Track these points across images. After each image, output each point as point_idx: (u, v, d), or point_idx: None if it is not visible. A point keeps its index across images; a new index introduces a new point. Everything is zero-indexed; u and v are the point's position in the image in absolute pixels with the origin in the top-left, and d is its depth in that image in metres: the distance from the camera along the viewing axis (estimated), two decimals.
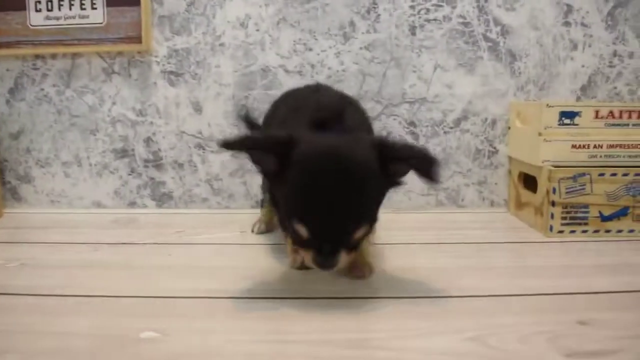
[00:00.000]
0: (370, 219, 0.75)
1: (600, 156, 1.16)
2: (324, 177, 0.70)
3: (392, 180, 0.77)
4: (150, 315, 0.75)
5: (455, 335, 0.68)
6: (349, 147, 0.74)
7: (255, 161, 0.77)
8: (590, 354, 0.63)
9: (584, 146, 1.16)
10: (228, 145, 0.74)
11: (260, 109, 1.33)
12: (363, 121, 0.94)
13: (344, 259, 0.74)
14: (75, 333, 0.69)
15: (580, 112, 1.16)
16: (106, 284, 0.87)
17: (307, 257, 0.75)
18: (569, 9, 1.33)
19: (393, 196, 1.34)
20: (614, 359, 0.62)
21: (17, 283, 0.88)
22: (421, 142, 1.34)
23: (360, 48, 1.32)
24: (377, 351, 0.64)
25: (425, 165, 0.74)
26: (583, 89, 1.35)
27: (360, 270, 0.88)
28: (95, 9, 1.33)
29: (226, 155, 1.36)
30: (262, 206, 1.21)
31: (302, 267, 0.88)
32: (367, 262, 0.90)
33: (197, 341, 0.66)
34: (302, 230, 0.72)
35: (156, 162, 1.38)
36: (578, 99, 1.35)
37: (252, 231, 1.17)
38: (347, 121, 0.83)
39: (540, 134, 1.16)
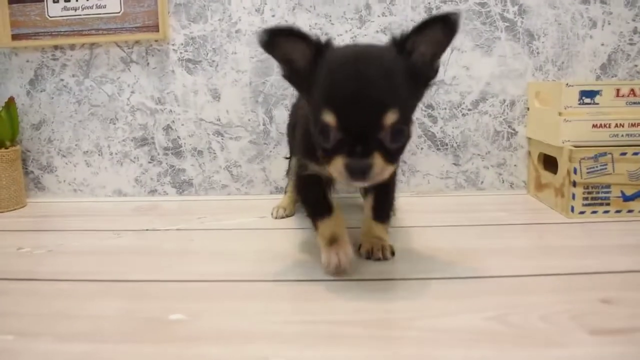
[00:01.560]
0: (399, 104, 0.71)
1: (622, 135, 1.15)
2: (351, 67, 0.71)
3: (424, 72, 0.77)
4: (177, 298, 0.76)
5: (476, 314, 0.68)
6: (373, 47, 0.80)
7: (286, 60, 0.78)
8: (615, 332, 0.63)
9: (605, 125, 1.15)
10: (273, 31, 0.74)
11: (277, 95, 1.34)
12: None
13: (378, 164, 0.70)
14: (106, 316, 0.70)
15: (601, 90, 1.15)
16: (132, 269, 0.88)
17: (336, 167, 0.72)
18: None
19: (412, 180, 1.35)
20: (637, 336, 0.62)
21: (45, 269, 0.90)
22: (439, 125, 1.34)
23: (377, 31, 1.31)
24: (400, 331, 0.65)
25: (439, 23, 0.73)
26: (603, 67, 1.34)
27: (381, 252, 0.89)
28: None
29: (245, 141, 1.37)
30: (285, 192, 1.22)
31: (338, 271, 0.83)
32: (387, 245, 0.90)
33: (224, 322, 0.68)
34: (331, 120, 0.70)
35: (176, 150, 1.39)
36: (598, 78, 1.34)
37: (272, 215, 1.18)
38: None
39: (560, 114, 1.15)
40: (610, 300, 0.72)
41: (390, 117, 0.69)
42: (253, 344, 0.62)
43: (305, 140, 0.85)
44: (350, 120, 0.69)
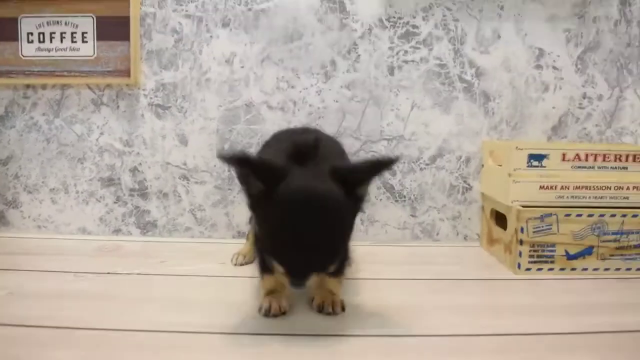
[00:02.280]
0: (341, 254, 0.83)
1: (567, 197, 1.22)
2: (301, 221, 0.77)
3: (357, 202, 0.84)
4: (134, 349, 0.78)
5: None
6: (321, 186, 0.80)
7: (244, 181, 0.85)
8: None
9: (551, 187, 1.21)
10: (227, 158, 0.80)
11: (243, 143, 1.38)
12: (340, 153, 1.02)
13: (314, 280, 0.82)
14: None
15: (548, 154, 1.22)
16: (91, 316, 0.90)
17: (283, 278, 0.82)
18: (541, 53, 1.39)
19: (370, 229, 1.40)
20: None
21: (5, 312, 0.91)
22: (398, 178, 1.40)
23: (341, 86, 1.38)
24: None
25: (379, 169, 0.85)
26: (554, 129, 1.42)
27: (332, 307, 0.92)
28: (86, 42, 1.38)
29: (210, 186, 1.41)
30: (247, 239, 1.26)
31: (272, 315, 0.90)
32: (339, 300, 0.94)
33: None
34: (280, 269, 0.80)
35: (142, 191, 1.42)
36: (549, 138, 1.41)
37: (232, 262, 1.21)
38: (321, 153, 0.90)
39: (510, 175, 1.22)
40: None
41: (332, 268, 0.83)
42: None
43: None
44: (297, 272, 0.79)
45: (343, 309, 0.94)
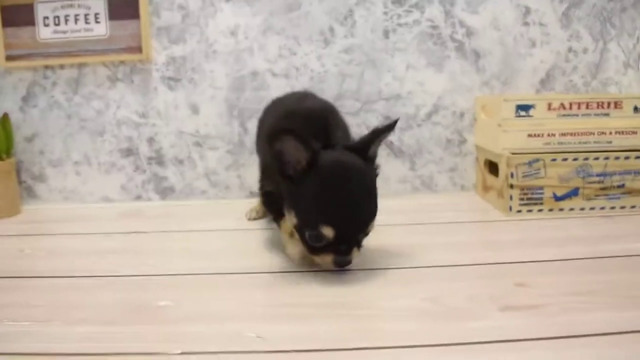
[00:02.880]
0: (376, 212, 0.91)
1: (554, 144, 1.31)
2: (344, 188, 0.86)
3: (373, 166, 0.95)
4: (163, 289, 0.89)
5: (415, 297, 0.83)
6: (352, 159, 0.90)
7: (286, 161, 0.87)
8: (521, 308, 0.78)
9: (538, 135, 1.31)
10: (289, 131, 0.85)
11: (250, 109, 1.48)
12: (343, 127, 1.08)
13: (356, 255, 0.90)
14: (104, 304, 0.84)
15: (535, 104, 1.31)
16: (122, 267, 1.01)
17: (324, 260, 0.89)
18: (527, 11, 1.47)
19: None
20: (539, 311, 0.77)
21: (46, 268, 1.02)
22: (396, 135, 1.49)
23: (339, 52, 1.46)
24: (351, 310, 0.79)
25: (380, 133, 0.94)
26: (542, 82, 1.50)
27: None
28: (99, 22, 1.47)
29: (222, 151, 1.51)
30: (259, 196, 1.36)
31: (304, 258, 0.96)
32: None
33: (204, 307, 0.82)
34: (329, 232, 0.85)
35: (159, 159, 1.53)
36: (538, 91, 1.50)
37: (247, 217, 1.32)
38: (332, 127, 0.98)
39: (499, 125, 1.31)
40: (525, 284, 0.87)
41: (372, 227, 0.90)
42: (229, 322, 0.76)
43: (263, 167, 1.05)
44: (344, 234, 0.86)
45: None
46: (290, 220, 0.92)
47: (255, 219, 1.32)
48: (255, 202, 1.36)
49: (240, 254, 1.07)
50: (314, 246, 0.88)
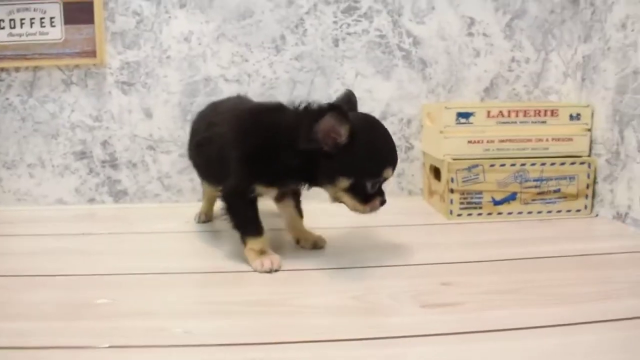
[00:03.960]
0: None
1: (493, 149, 1.37)
2: (387, 138, 1.01)
3: None
4: (104, 287, 0.92)
5: (343, 294, 0.87)
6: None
7: (324, 139, 0.93)
8: (441, 305, 0.83)
9: (478, 141, 1.36)
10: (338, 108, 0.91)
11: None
12: None
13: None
14: (42, 301, 0.86)
15: (474, 112, 1.36)
16: (68, 266, 1.03)
17: (374, 204, 1.00)
18: (472, 22, 1.53)
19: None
20: (457, 308, 0.82)
21: None
22: None
23: (291, 59, 1.51)
24: (281, 307, 0.83)
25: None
26: (486, 90, 1.56)
27: (320, 242, 1.14)
28: (54, 26, 1.49)
29: (175, 155, 1.54)
30: (203, 199, 1.40)
31: (271, 270, 0.99)
32: (320, 237, 1.15)
33: (140, 304, 0.85)
34: (389, 172, 0.99)
35: (112, 163, 1.55)
36: (482, 99, 1.56)
37: (195, 220, 1.35)
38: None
39: (441, 132, 1.36)
40: (450, 283, 0.92)
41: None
42: (159, 319, 0.79)
43: (256, 164, 0.99)
44: (393, 169, 1.01)
45: (325, 241, 1.15)
46: (334, 187, 0.99)
47: (204, 221, 1.35)
48: (200, 205, 1.39)
49: (182, 255, 1.11)
50: (370, 195, 0.99)
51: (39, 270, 1.02)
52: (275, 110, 1.04)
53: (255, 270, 0.99)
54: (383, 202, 1.02)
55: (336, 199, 1.01)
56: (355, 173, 0.97)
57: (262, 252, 1.02)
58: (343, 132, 0.92)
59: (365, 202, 0.99)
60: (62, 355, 0.69)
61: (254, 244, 1.02)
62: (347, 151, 0.94)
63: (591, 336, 0.73)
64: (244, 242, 1.04)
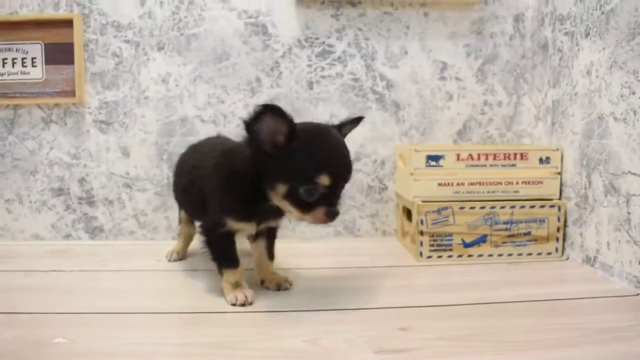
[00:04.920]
0: None
1: (463, 192, 1.39)
2: (332, 141, 0.97)
3: None
4: (63, 326, 0.92)
5: (298, 338, 0.88)
6: (330, 126, 1.04)
7: (263, 139, 0.92)
8: (394, 351, 0.84)
9: (448, 184, 1.38)
10: (276, 110, 0.90)
11: (179, 153, 1.52)
12: None
13: (339, 206, 0.99)
14: (1, 341, 0.87)
15: (444, 155, 1.39)
16: (32, 304, 1.04)
17: (317, 215, 0.95)
18: (444, 66, 1.57)
19: (297, 227, 1.55)
20: (409, 354, 0.83)
21: None
22: None
23: (266, 101, 1.53)
24: (236, 350, 0.84)
25: (355, 123, 1.11)
26: (459, 133, 1.59)
27: (285, 283, 1.14)
28: (35, 66, 1.52)
29: (151, 193, 1.56)
30: (178, 237, 1.41)
31: (244, 303, 1.03)
32: (286, 279, 1.15)
33: (96, 345, 0.85)
34: (326, 180, 0.92)
35: (89, 200, 1.56)
36: (455, 142, 1.59)
37: (167, 259, 1.36)
38: None
39: (411, 174, 1.38)
40: (408, 328, 0.92)
41: (350, 176, 1.00)
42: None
43: (227, 200, 1.04)
44: (338, 181, 0.96)
45: (291, 283, 1.15)
46: (275, 194, 0.96)
47: (176, 260, 1.36)
48: (174, 243, 1.40)
49: (147, 295, 1.11)
50: (307, 202, 0.94)
51: (3, 307, 1.02)
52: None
53: (229, 303, 1.03)
54: (330, 214, 0.96)
55: (284, 209, 1.01)
56: (291, 178, 0.94)
57: (236, 285, 1.05)
58: (282, 131, 0.92)
59: (306, 211, 0.96)
60: None
61: (229, 276, 1.06)
62: (284, 154, 0.93)
63: None
64: (220, 273, 1.07)
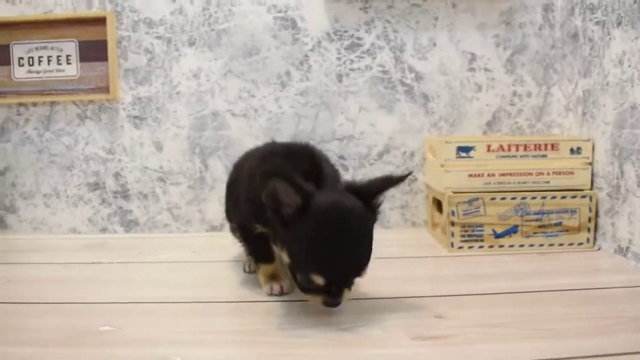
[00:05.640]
0: (370, 258, 0.89)
1: (494, 183, 1.39)
2: (337, 233, 0.84)
3: (374, 212, 0.93)
4: (108, 315, 0.96)
5: (334, 326, 0.90)
6: (347, 201, 0.88)
7: (278, 204, 0.86)
8: (430, 337, 0.85)
9: (479, 175, 1.38)
10: (279, 174, 0.84)
11: (211, 147, 1.56)
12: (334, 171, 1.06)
13: (346, 296, 0.90)
14: (50, 328, 0.90)
15: (475, 146, 1.39)
16: (74, 294, 1.08)
17: (315, 300, 0.89)
18: (473, 57, 1.57)
19: None
20: (445, 341, 0.84)
21: (4, 294, 1.09)
22: (350, 173, 1.57)
23: (296, 94, 1.56)
24: (271, 337, 0.86)
25: (394, 183, 0.93)
26: (488, 124, 1.59)
27: None
28: (70, 64, 1.56)
29: (184, 186, 1.59)
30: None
31: (280, 293, 1.02)
32: None
33: (141, 332, 0.88)
34: (319, 280, 0.85)
35: (124, 193, 1.60)
36: (484, 133, 1.59)
37: (244, 270, 1.22)
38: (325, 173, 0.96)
39: (442, 166, 1.39)
40: (443, 316, 0.94)
41: (365, 272, 0.89)
42: (159, 347, 0.82)
43: (252, 208, 0.99)
44: (334, 281, 0.86)
45: None
46: (283, 257, 0.92)
47: (254, 271, 1.19)
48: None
49: (187, 285, 1.14)
50: (305, 287, 0.89)
51: (47, 298, 1.06)
52: (279, 156, 1.01)
53: (266, 294, 1.04)
54: (328, 304, 0.88)
55: None
56: (292, 255, 0.89)
57: (273, 277, 1.05)
58: (293, 203, 0.85)
59: (305, 291, 0.90)
60: None
61: (265, 269, 1.06)
62: (293, 225, 0.86)
63: None
64: (257, 266, 1.08)
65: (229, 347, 0.83)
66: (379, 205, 0.93)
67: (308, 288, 0.88)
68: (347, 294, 0.90)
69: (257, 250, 1.08)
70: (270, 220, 0.91)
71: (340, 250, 0.84)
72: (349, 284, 0.89)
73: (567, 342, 0.83)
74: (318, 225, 0.84)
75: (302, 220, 0.84)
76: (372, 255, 0.90)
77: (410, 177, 0.97)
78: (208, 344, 0.84)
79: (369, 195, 0.91)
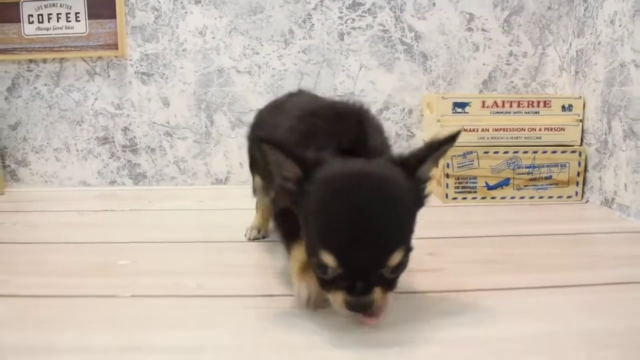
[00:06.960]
0: (405, 242, 0.67)
1: (487, 138, 1.45)
2: (350, 201, 0.65)
3: (419, 185, 0.72)
4: (125, 252, 1.03)
5: None
6: (375, 167, 0.70)
7: (277, 173, 0.72)
8: (424, 271, 0.92)
9: (473, 130, 1.44)
10: (269, 141, 0.70)
11: (216, 102, 1.62)
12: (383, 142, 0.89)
13: (379, 298, 0.65)
14: (71, 262, 0.97)
15: (470, 102, 1.45)
16: (92, 236, 1.15)
17: (335, 299, 0.66)
18: (471, 17, 1.62)
19: None
20: (437, 273, 0.91)
21: (24, 237, 1.16)
22: None
23: (298, 52, 1.61)
24: (272, 269, 0.93)
25: (438, 147, 0.71)
26: (485, 83, 1.64)
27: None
28: (79, 21, 1.60)
29: (190, 141, 1.65)
30: (256, 210, 1.17)
31: (315, 304, 0.75)
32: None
33: (158, 265, 0.96)
34: (330, 260, 0.64)
35: (132, 147, 1.66)
36: (480, 91, 1.64)
37: (246, 237, 1.11)
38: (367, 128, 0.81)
39: (438, 121, 1.45)
40: (435, 254, 1.01)
41: (396, 258, 0.65)
42: (174, 276, 0.89)
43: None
44: (350, 263, 0.64)
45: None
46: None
47: (257, 238, 1.11)
48: (252, 218, 1.18)
49: (196, 228, 1.22)
50: (322, 279, 0.67)
51: (64, 239, 1.13)
52: (320, 117, 0.82)
53: (294, 294, 0.77)
54: (349, 304, 0.65)
55: None
56: (305, 239, 0.72)
57: (304, 267, 0.76)
58: (291, 174, 0.70)
59: (324, 287, 0.68)
60: (91, 302, 0.80)
61: (296, 252, 0.79)
62: (300, 201, 0.70)
63: (580, 296, 0.81)
64: (288, 251, 0.83)
65: (239, 277, 0.90)
66: (425, 178, 0.73)
67: (325, 280, 0.67)
68: (380, 295, 0.65)
69: (286, 227, 0.84)
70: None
71: (354, 225, 0.63)
72: (377, 275, 0.65)
73: (551, 275, 0.90)
74: (324, 195, 0.67)
75: (307, 193, 0.68)
76: (406, 238, 0.68)
77: (454, 135, 0.71)
78: (218, 274, 0.91)
79: (412, 164, 0.70)
